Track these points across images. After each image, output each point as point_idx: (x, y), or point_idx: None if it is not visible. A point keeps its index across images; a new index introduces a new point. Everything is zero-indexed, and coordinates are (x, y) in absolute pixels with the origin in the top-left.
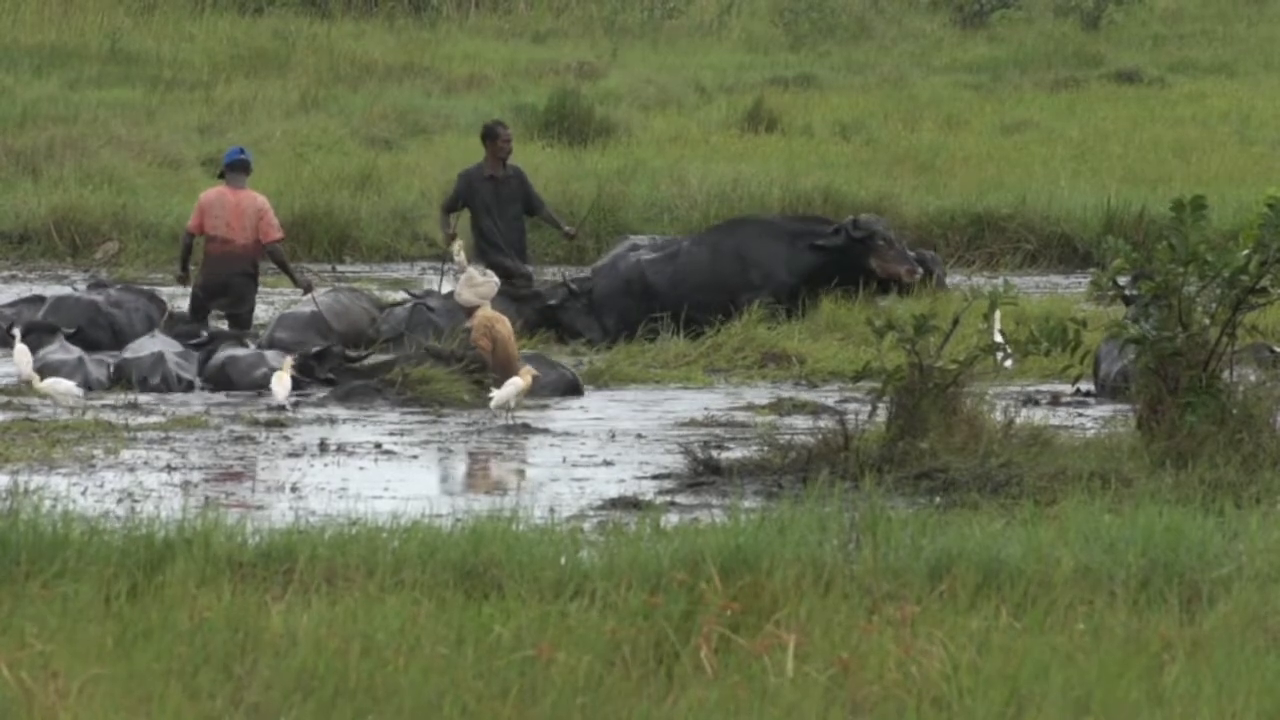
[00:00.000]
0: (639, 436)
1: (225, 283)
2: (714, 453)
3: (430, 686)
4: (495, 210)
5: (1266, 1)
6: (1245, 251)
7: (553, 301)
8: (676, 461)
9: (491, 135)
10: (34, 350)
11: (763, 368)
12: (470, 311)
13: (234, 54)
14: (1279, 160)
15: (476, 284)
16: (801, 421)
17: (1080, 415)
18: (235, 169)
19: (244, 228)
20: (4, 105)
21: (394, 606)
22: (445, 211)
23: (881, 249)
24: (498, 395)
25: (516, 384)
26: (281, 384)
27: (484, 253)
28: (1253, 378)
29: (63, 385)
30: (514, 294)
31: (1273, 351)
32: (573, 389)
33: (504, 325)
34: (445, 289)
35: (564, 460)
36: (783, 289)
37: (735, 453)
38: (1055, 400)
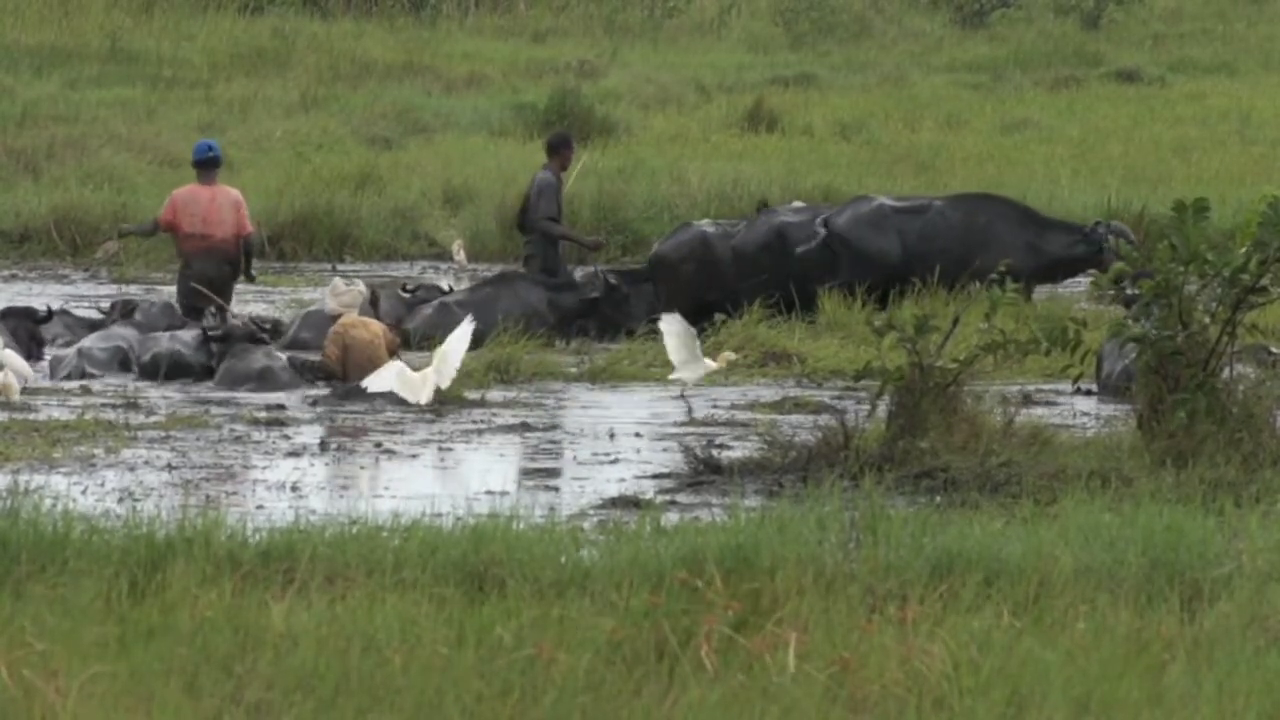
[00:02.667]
0: (638, 435)
1: (208, 278)
2: (714, 452)
3: (431, 686)
4: (562, 219)
5: (1266, 1)
6: (1243, 250)
7: (594, 294)
8: (677, 460)
9: (567, 145)
10: None
11: (764, 367)
12: (336, 319)
13: (234, 53)
14: (1279, 159)
15: (340, 293)
16: (802, 420)
17: (1048, 413)
18: (208, 166)
19: (222, 221)
20: (4, 105)
21: (394, 606)
22: (555, 221)
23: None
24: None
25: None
26: (425, 384)
27: (552, 260)
28: (1252, 377)
29: (19, 362)
30: (549, 285)
31: (1270, 353)
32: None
33: (363, 331)
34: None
35: (566, 457)
36: (1019, 274)
37: (736, 452)
38: (1027, 399)
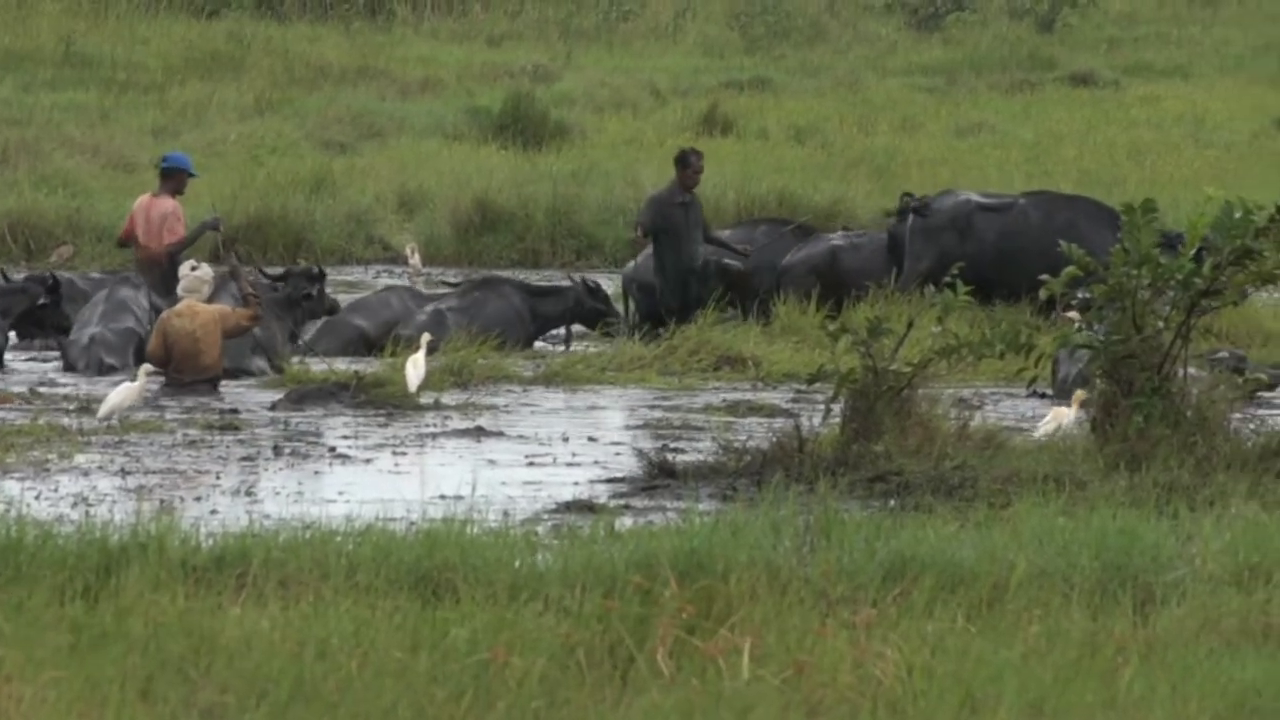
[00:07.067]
0: (592, 439)
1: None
2: (668, 456)
3: (385, 690)
4: (685, 235)
5: (1220, 4)
6: (1191, 252)
7: (573, 294)
8: (631, 464)
9: (683, 163)
10: None
11: (718, 371)
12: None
13: (188, 56)
14: (1232, 163)
15: (185, 277)
16: (757, 424)
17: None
18: (162, 176)
19: (152, 234)
20: None
21: (348, 610)
22: (644, 235)
23: None
24: (104, 403)
25: (126, 388)
26: (416, 369)
27: (662, 279)
28: (1221, 387)
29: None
30: (532, 290)
31: (1233, 355)
32: None
33: (185, 321)
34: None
35: (521, 463)
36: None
37: (690, 456)
38: (965, 403)
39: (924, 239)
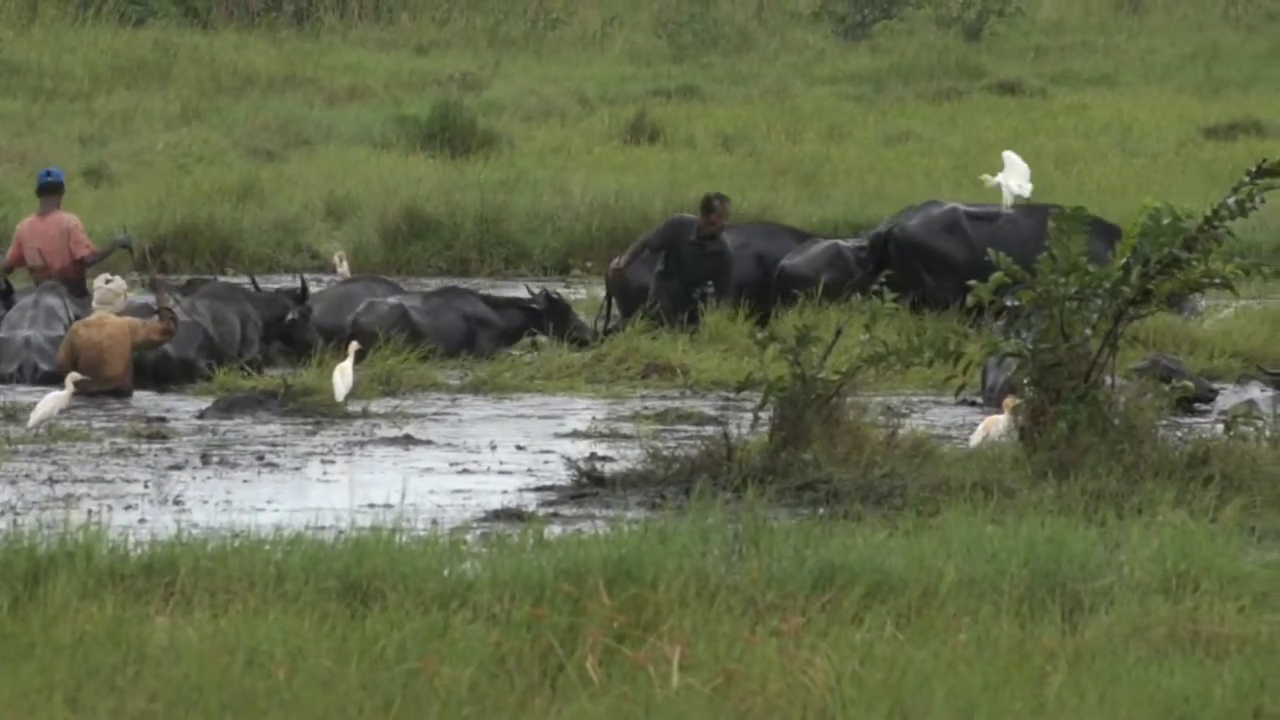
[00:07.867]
0: (521, 448)
1: None
2: (597, 464)
3: (314, 699)
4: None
5: (1146, 13)
6: (1122, 261)
7: (537, 307)
8: (560, 472)
9: (706, 207)
10: None
11: (646, 379)
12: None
13: (115, 65)
14: (1159, 171)
15: (99, 289)
16: (686, 431)
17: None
18: (42, 193)
19: (55, 251)
20: None
21: (277, 619)
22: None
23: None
24: (34, 412)
25: (55, 397)
26: (344, 377)
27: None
28: (1148, 395)
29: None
30: (491, 301)
31: (1154, 362)
32: None
33: (93, 331)
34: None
35: (450, 471)
36: None
37: (618, 464)
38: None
39: (911, 248)
